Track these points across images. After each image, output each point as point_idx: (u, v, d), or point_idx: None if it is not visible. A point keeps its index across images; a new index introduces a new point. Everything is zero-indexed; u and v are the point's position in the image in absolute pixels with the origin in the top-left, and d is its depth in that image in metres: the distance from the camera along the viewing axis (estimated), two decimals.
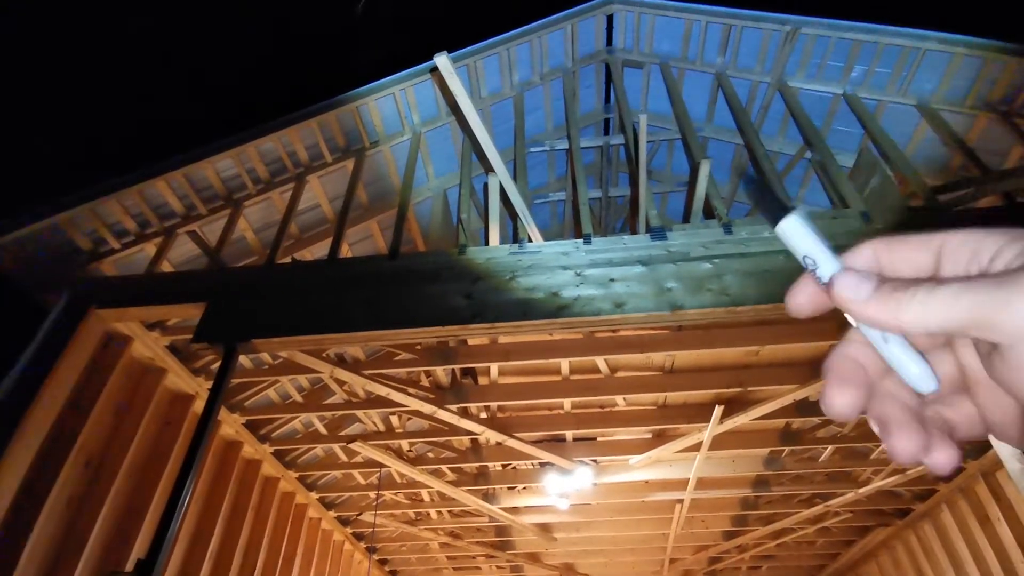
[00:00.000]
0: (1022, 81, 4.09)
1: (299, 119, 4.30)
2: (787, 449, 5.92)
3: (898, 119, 4.58)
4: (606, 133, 6.24)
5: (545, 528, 7.61)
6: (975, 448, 5.84)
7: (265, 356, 5.04)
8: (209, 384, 4.50)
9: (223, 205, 4.30)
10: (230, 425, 5.09)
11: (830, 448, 6.00)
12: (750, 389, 4.97)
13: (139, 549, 3.81)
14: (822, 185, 4.91)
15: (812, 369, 4.85)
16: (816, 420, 5.62)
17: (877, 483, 6.13)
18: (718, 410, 4.97)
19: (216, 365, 4.49)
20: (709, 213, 3.96)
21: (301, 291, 3.55)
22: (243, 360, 5.00)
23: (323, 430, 5.96)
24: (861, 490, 6.28)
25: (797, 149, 5.17)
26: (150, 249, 4.08)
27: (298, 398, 5.70)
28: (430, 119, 5.01)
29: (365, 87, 4.55)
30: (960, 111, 4.31)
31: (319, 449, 6.36)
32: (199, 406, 4.50)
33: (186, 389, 4.45)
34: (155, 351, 4.10)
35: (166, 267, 4.17)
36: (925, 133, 4.46)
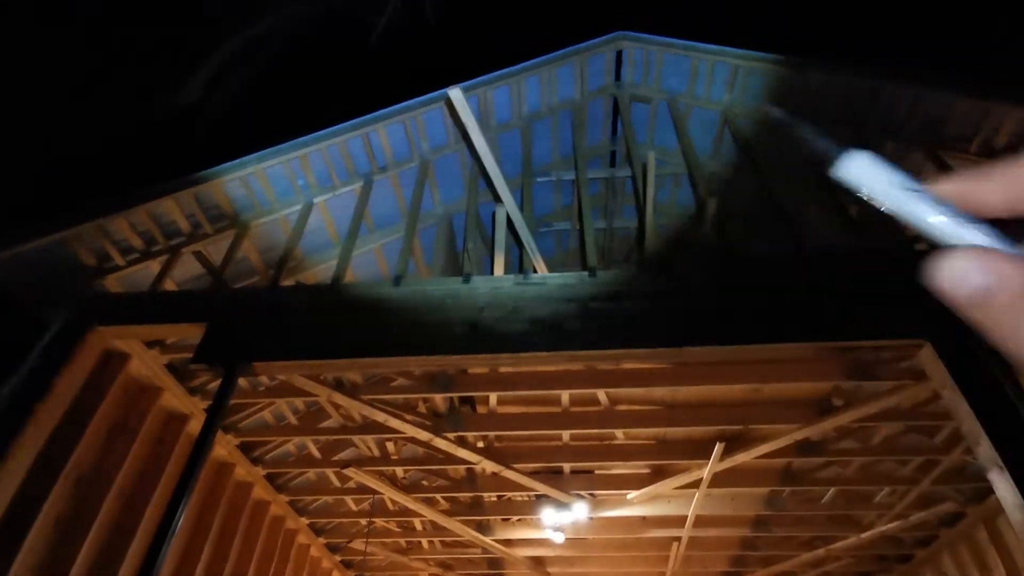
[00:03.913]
0: (1021, 129, 4.14)
1: (309, 143, 4.34)
2: (788, 490, 5.83)
3: (906, 159, 4.61)
4: (612, 165, 6.30)
5: (539, 562, 7.44)
6: (976, 494, 5.75)
7: (262, 377, 4.99)
8: (205, 404, 4.46)
9: (229, 225, 4.31)
10: (223, 446, 5.01)
11: (832, 490, 5.90)
12: (751, 427, 4.91)
13: (127, 572, 3.71)
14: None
15: (814, 409, 4.80)
16: (818, 461, 5.54)
17: (880, 528, 6.02)
18: (719, 447, 4.91)
19: (213, 385, 4.45)
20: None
21: (303, 314, 3.53)
22: (240, 381, 4.95)
23: (317, 454, 5.87)
24: (863, 534, 6.16)
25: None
26: (154, 267, 4.08)
27: (293, 421, 5.63)
28: (439, 146, 5.06)
29: (375, 113, 4.61)
30: (966, 156, 4.34)
31: (312, 473, 6.26)
32: (193, 426, 4.44)
33: (181, 409, 4.39)
34: (153, 369, 4.06)
35: (169, 285, 4.16)
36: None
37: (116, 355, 3.82)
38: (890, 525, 5.95)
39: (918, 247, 3.73)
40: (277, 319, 3.52)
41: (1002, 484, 2.55)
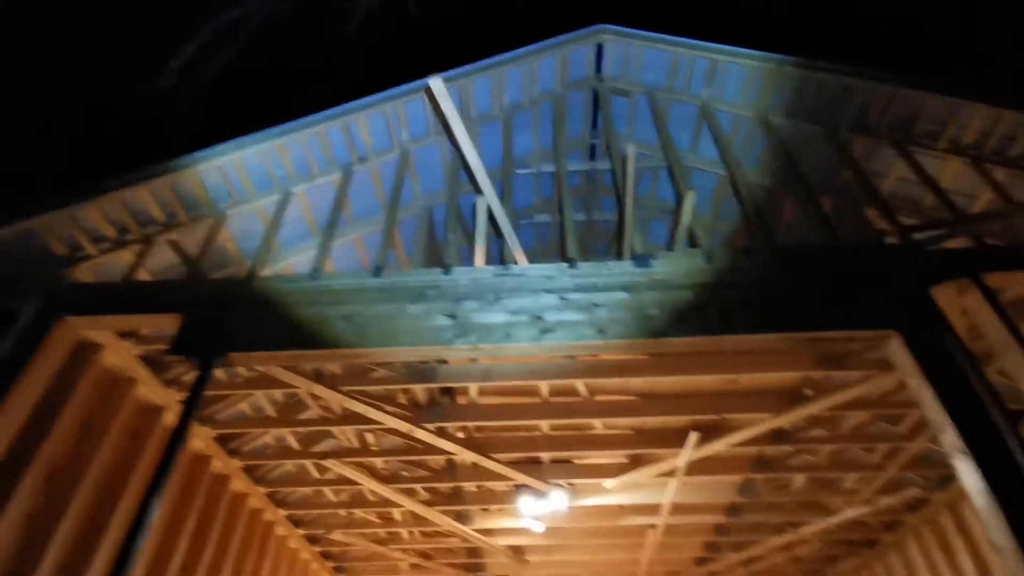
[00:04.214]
0: (990, 127, 4.26)
1: (288, 132, 4.29)
2: (760, 477, 5.98)
3: (876, 156, 4.73)
4: (592, 158, 6.33)
5: (518, 551, 7.51)
6: (941, 480, 5.96)
7: (240, 368, 4.94)
8: (181, 396, 4.40)
9: (205, 214, 4.24)
10: (200, 439, 4.95)
11: (802, 477, 6.07)
12: (726, 416, 5.01)
13: (99, 568, 3.66)
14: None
15: (788, 398, 4.92)
16: (790, 449, 5.69)
17: (847, 513, 6.21)
18: (694, 436, 5.01)
19: (189, 377, 4.38)
20: (693, 242, 4.04)
21: (282, 305, 3.50)
22: (217, 372, 4.88)
23: (296, 445, 5.83)
24: (832, 520, 6.35)
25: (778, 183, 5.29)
26: (128, 257, 3.99)
27: (272, 412, 5.58)
28: (419, 136, 5.03)
29: (356, 103, 4.56)
30: (934, 154, 4.47)
31: (290, 465, 6.22)
32: (169, 418, 4.37)
33: (156, 401, 4.32)
34: (127, 361, 3.99)
35: (143, 275, 4.08)
36: (900, 171, 4.61)
37: (88, 346, 3.74)
38: (857, 510, 6.14)
39: (888, 241, 3.83)
40: (255, 310, 3.48)
41: (966, 470, 2.65)
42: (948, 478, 5.83)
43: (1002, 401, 2.73)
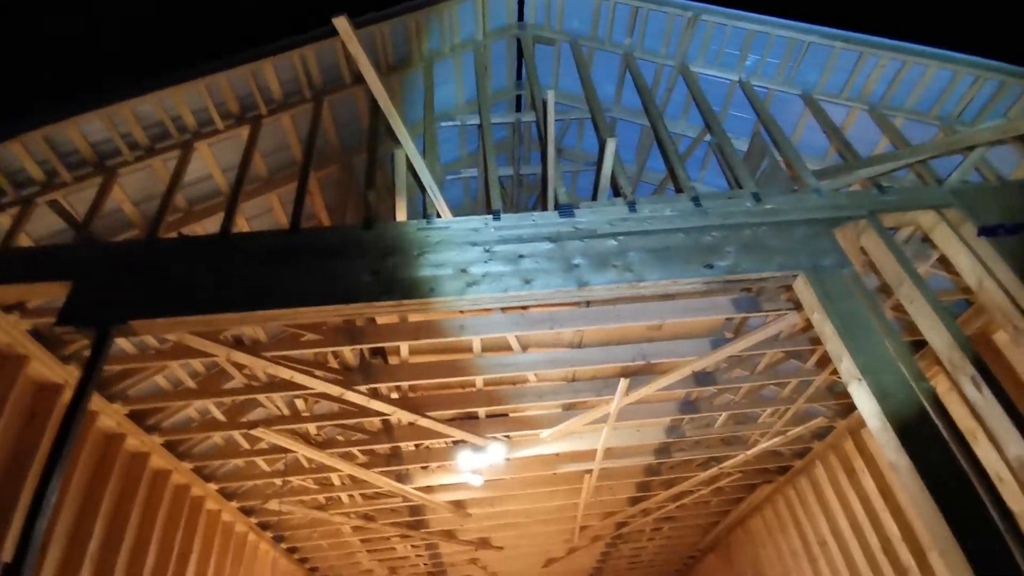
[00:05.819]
0: (891, 76, 4.49)
1: (182, 79, 3.91)
2: (687, 418, 6.31)
3: (785, 107, 4.90)
4: (518, 110, 6.21)
5: (459, 505, 7.66)
6: (843, 409, 6.50)
7: (151, 339, 4.62)
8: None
9: (93, 172, 3.84)
10: (110, 416, 4.64)
11: (724, 415, 6.46)
12: (653, 362, 5.20)
13: (8, 554, 3.41)
14: (720, 167, 5.17)
15: (710, 342, 5.16)
16: (713, 390, 6.02)
17: (763, 444, 6.70)
18: (623, 383, 5.19)
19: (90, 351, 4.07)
20: (616, 191, 4.06)
21: (189, 268, 3.26)
22: (125, 345, 4.57)
23: (221, 417, 5.59)
24: (749, 451, 6.83)
25: (698, 132, 5.40)
26: (4, 221, 3.58)
27: (191, 384, 5.30)
28: (335, 86, 4.73)
29: (261, 47, 4.21)
30: (837, 102, 4.68)
31: (217, 437, 5.98)
32: (70, 397, 4.05)
33: (53, 378, 3.99)
34: (14, 336, 3.64)
35: (25, 242, 3.69)
36: (808, 121, 4.81)
37: None
38: (772, 441, 6.63)
39: (795, 188, 4.00)
40: (158, 274, 3.22)
41: (860, 394, 2.85)
42: (850, 407, 6.38)
43: (893, 330, 2.94)
